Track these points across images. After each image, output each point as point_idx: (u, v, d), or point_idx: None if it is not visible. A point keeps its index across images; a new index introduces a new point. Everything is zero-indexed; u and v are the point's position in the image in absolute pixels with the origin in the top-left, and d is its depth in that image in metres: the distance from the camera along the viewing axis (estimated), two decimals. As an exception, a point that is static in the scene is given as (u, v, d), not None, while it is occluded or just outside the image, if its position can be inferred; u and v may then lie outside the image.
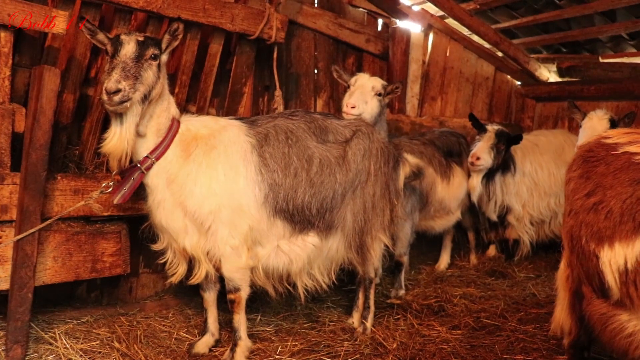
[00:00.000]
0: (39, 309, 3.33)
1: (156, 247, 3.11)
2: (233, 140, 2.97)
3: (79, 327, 3.31)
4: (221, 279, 3.16)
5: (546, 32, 6.03)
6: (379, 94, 3.90)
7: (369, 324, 3.53)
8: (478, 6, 5.69)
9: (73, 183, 3.09)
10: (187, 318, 3.65)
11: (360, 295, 3.68)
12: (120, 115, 2.62)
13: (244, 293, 3.04)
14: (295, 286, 3.30)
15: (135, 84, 2.57)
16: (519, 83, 6.55)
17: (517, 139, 4.74)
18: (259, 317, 3.70)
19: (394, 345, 3.25)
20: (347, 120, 3.48)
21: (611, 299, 2.26)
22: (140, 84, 2.61)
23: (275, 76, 4.34)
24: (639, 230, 2.09)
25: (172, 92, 3.31)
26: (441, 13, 5.89)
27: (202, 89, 3.94)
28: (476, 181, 4.76)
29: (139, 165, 2.80)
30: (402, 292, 4.27)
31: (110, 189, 2.86)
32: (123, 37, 2.67)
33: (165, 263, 3.14)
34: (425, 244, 5.37)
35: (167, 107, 2.87)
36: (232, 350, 3.04)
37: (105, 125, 3.20)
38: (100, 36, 2.77)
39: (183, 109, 3.71)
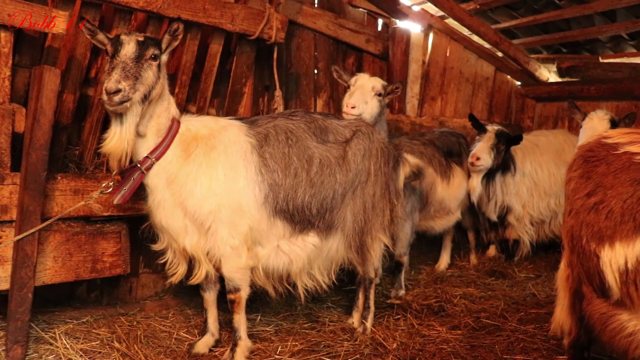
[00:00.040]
0: (39, 309, 3.33)
1: (156, 247, 3.11)
2: (233, 140, 2.97)
3: (79, 327, 3.31)
4: (221, 279, 3.16)
5: (546, 32, 6.03)
6: (379, 94, 3.90)
7: (369, 324, 3.53)
8: (478, 6, 5.69)
9: (73, 183, 3.09)
10: (187, 318, 3.65)
11: (360, 296, 3.68)
12: (120, 116, 2.62)
13: (244, 293, 3.04)
14: (295, 286, 3.30)
15: (135, 84, 2.57)
16: (519, 83, 6.54)
17: (517, 139, 4.73)
18: (259, 317, 3.70)
19: (394, 346, 3.25)
20: (347, 120, 3.48)
21: (611, 298, 2.26)
22: (140, 84, 2.61)
23: (275, 76, 4.34)
24: None
25: (172, 92, 3.32)
26: (441, 13, 5.89)
27: (202, 89, 3.94)
28: (476, 181, 4.77)
29: (139, 165, 2.80)
30: (402, 292, 4.28)
31: (110, 189, 2.87)
32: (123, 37, 2.67)
33: (165, 263, 3.15)
34: (425, 244, 5.37)
35: (167, 107, 2.87)
36: (232, 350, 3.04)
37: (105, 126, 3.20)
38: (100, 36, 2.77)
39: (183, 109, 3.71)
